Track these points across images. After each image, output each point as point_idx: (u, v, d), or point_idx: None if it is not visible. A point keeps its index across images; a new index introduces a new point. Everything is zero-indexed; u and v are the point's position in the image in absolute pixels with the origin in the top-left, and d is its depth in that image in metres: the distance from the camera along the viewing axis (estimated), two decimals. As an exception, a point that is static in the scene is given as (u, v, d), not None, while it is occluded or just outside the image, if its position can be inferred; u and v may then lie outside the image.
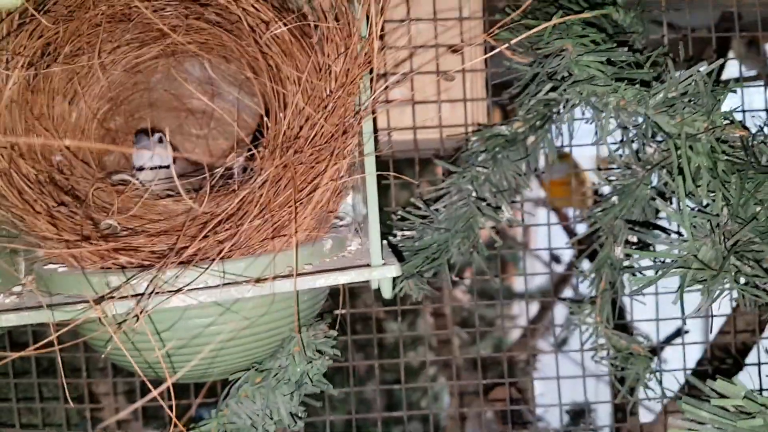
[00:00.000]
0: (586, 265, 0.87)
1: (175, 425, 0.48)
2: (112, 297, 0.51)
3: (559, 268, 1.89)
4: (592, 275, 0.77)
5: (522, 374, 1.41)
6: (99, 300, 0.50)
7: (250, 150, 0.65)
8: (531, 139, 0.75)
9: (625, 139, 0.69)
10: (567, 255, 1.81)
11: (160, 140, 0.71)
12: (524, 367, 1.48)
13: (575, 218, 0.90)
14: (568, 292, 1.75)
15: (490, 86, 0.88)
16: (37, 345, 0.45)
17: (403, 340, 0.95)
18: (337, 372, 0.95)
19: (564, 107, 0.70)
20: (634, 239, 0.72)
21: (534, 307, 1.91)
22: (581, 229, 1.55)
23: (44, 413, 0.95)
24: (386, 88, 0.62)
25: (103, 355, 0.55)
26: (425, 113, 0.88)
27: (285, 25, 0.57)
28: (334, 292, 0.76)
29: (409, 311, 1.51)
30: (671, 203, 0.68)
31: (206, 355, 0.55)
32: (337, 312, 0.84)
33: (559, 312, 1.86)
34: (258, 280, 0.56)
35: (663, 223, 0.74)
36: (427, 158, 0.91)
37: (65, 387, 0.90)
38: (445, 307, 1.37)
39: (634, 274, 0.71)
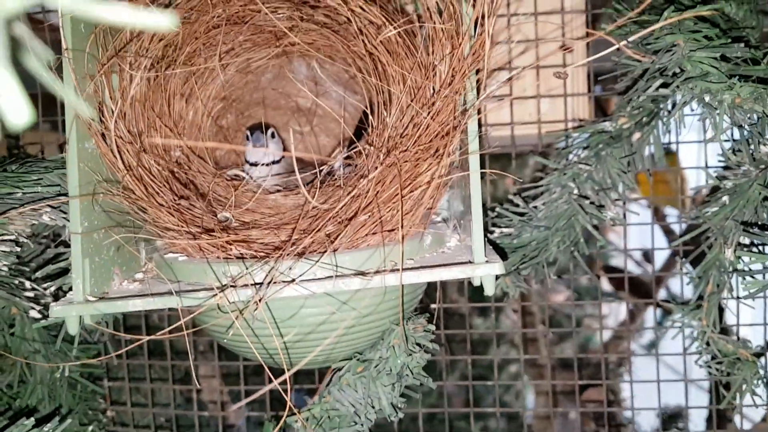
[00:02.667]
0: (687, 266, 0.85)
1: (290, 410, 0.50)
2: (235, 285, 0.54)
3: (649, 268, 1.83)
4: (698, 277, 0.75)
5: (613, 376, 1.38)
6: (223, 288, 0.53)
7: (353, 147, 0.66)
8: (636, 135, 0.73)
9: (739, 137, 0.66)
10: (659, 254, 1.75)
11: (273, 135, 0.73)
12: (614, 368, 1.45)
13: (680, 218, 0.87)
14: (662, 293, 1.69)
15: (593, 80, 0.87)
16: (171, 327, 0.49)
17: (488, 337, 0.95)
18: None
19: (674, 104, 0.68)
20: (746, 241, 0.69)
21: (624, 308, 1.86)
22: (678, 227, 1.49)
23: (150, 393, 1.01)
24: (488, 89, 0.62)
25: (225, 341, 0.58)
26: (523, 108, 0.87)
27: (395, 28, 0.58)
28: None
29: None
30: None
31: (319, 345, 0.57)
32: (433, 306, 0.85)
33: (650, 313, 1.80)
34: (366, 274, 0.58)
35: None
36: (517, 153, 0.91)
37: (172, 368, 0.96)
38: (534, 306, 1.35)
39: (744, 278, 0.69)
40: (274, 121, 0.85)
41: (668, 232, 1.53)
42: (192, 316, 0.53)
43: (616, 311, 2.08)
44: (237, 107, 0.81)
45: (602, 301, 0.93)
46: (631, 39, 0.51)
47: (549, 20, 0.84)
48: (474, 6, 0.57)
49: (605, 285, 1.76)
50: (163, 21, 0.23)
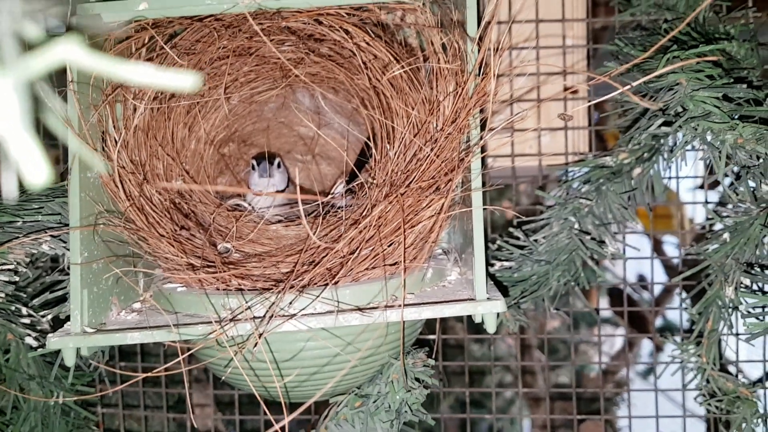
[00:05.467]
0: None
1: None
2: (236, 319, 0.53)
3: (645, 295, 1.83)
4: (698, 314, 0.75)
5: (609, 405, 1.38)
6: (223, 321, 0.53)
7: (354, 179, 0.66)
8: (637, 171, 0.73)
9: (741, 176, 0.67)
10: (656, 285, 1.75)
11: (279, 166, 0.73)
12: (612, 397, 1.44)
13: (681, 253, 0.88)
14: (658, 321, 1.70)
15: (592, 112, 0.87)
16: (168, 364, 0.48)
17: (483, 362, 0.95)
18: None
19: (675, 141, 0.68)
20: (747, 281, 0.69)
21: (619, 338, 1.86)
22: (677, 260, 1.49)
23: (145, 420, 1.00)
24: (491, 126, 0.62)
25: (222, 377, 0.58)
26: (524, 140, 0.88)
27: (402, 66, 0.58)
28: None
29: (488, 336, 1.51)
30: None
31: (319, 381, 0.56)
32: (432, 337, 0.85)
33: (645, 343, 1.80)
34: (365, 309, 0.58)
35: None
36: (508, 184, 0.91)
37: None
38: (532, 338, 1.35)
39: (744, 319, 0.68)
40: (276, 149, 0.85)
41: (668, 266, 1.53)
42: (190, 352, 0.52)
43: (611, 338, 2.08)
44: (239, 136, 0.81)
45: (600, 334, 0.93)
46: (634, 84, 0.51)
47: (551, 54, 0.85)
48: (479, 45, 0.57)
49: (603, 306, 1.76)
50: (186, 82, 0.23)
